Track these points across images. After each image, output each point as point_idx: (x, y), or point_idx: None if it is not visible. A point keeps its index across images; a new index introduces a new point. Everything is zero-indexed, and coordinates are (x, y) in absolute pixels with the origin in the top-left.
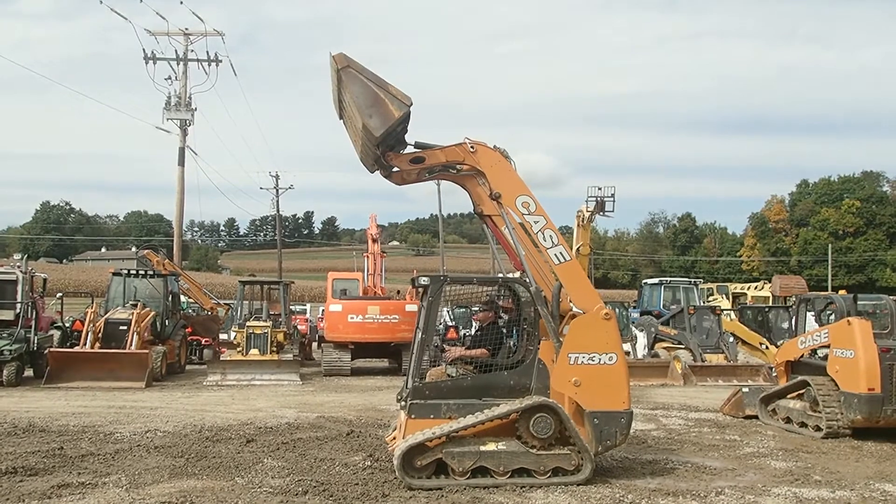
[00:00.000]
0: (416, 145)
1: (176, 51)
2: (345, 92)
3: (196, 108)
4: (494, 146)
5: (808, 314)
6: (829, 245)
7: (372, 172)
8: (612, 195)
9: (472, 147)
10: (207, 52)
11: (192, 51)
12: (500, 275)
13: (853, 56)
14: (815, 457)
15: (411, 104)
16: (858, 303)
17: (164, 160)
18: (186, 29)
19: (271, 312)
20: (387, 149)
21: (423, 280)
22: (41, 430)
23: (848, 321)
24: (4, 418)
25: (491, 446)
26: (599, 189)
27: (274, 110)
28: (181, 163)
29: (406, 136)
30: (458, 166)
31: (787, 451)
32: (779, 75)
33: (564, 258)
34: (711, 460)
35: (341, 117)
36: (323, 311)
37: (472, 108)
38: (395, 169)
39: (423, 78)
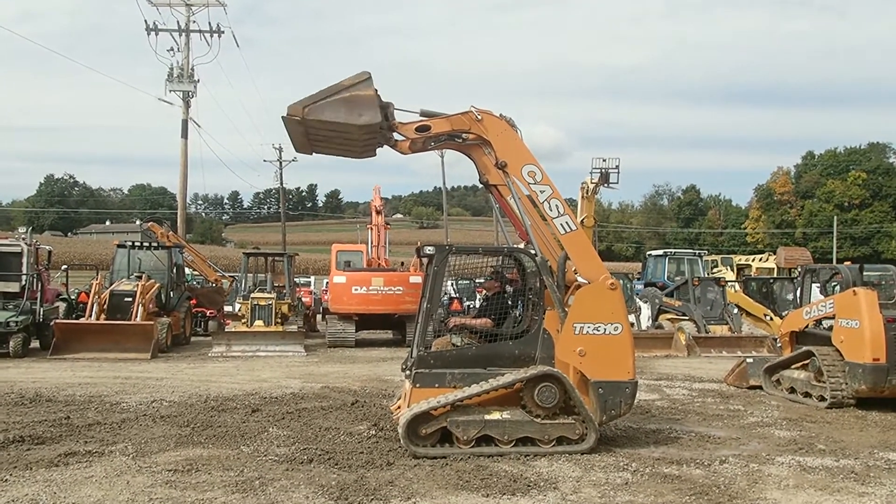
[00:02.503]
0: (422, 113)
1: (178, 21)
2: (319, 126)
3: (199, 80)
4: (501, 115)
5: (814, 285)
6: (835, 217)
7: (375, 155)
8: (617, 167)
9: (478, 115)
10: (210, 23)
11: (195, 22)
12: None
13: (866, 27)
14: (819, 426)
15: (369, 74)
16: (864, 273)
17: (168, 133)
18: None
19: (275, 284)
20: (389, 124)
21: (429, 250)
22: (48, 400)
23: (854, 291)
24: (11, 388)
25: (495, 415)
26: (604, 161)
27: (277, 82)
28: (184, 135)
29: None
30: (463, 135)
31: (790, 420)
32: (790, 45)
33: (570, 228)
34: (715, 429)
35: (312, 152)
36: (327, 283)
37: (478, 78)
38: (401, 139)
39: (430, 48)
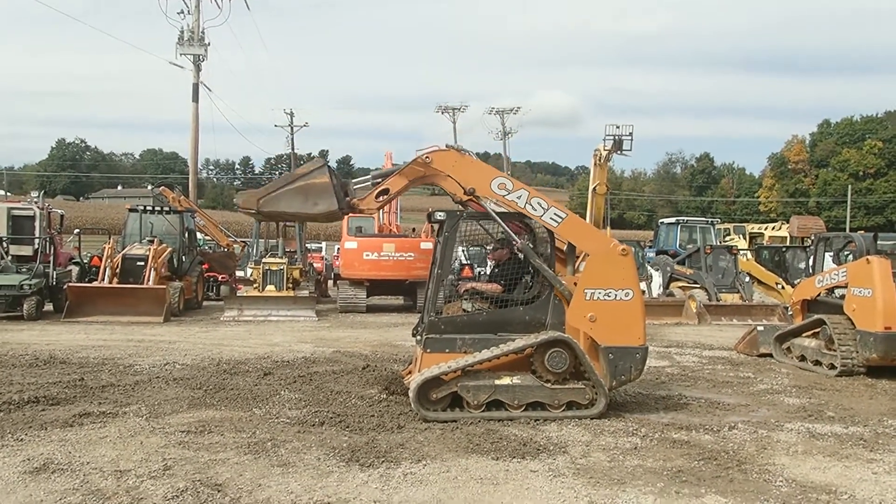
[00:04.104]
0: (374, 177)
1: None
2: (276, 215)
3: (209, 43)
4: (447, 145)
5: (827, 254)
6: (850, 186)
7: (341, 219)
8: (630, 134)
9: (426, 158)
10: None
11: None
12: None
13: None
14: (829, 394)
15: (325, 161)
16: (878, 242)
17: (179, 97)
18: None
19: (287, 249)
20: (348, 203)
21: (440, 215)
22: (62, 361)
23: (867, 259)
24: (26, 350)
25: (506, 380)
26: (617, 128)
27: (289, 46)
28: (195, 99)
29: (342, 178)
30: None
31: (800, 388)
32: (806, 11)
33: (560, 217)
34: (725, 396)
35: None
36: (338, 248)
37: (493, 43)
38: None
39: (444, 12)
